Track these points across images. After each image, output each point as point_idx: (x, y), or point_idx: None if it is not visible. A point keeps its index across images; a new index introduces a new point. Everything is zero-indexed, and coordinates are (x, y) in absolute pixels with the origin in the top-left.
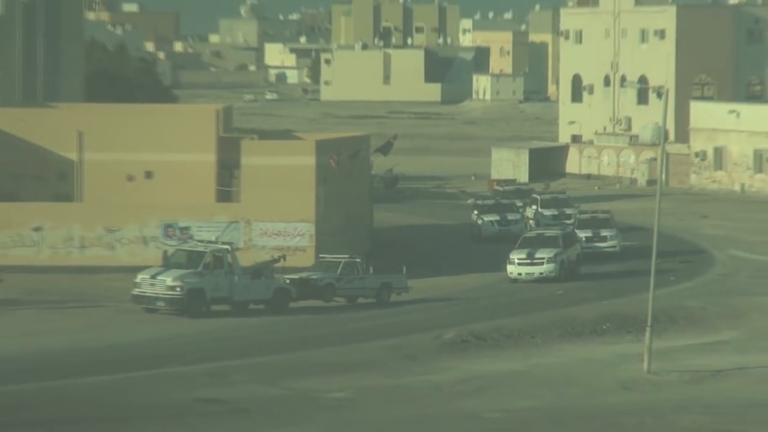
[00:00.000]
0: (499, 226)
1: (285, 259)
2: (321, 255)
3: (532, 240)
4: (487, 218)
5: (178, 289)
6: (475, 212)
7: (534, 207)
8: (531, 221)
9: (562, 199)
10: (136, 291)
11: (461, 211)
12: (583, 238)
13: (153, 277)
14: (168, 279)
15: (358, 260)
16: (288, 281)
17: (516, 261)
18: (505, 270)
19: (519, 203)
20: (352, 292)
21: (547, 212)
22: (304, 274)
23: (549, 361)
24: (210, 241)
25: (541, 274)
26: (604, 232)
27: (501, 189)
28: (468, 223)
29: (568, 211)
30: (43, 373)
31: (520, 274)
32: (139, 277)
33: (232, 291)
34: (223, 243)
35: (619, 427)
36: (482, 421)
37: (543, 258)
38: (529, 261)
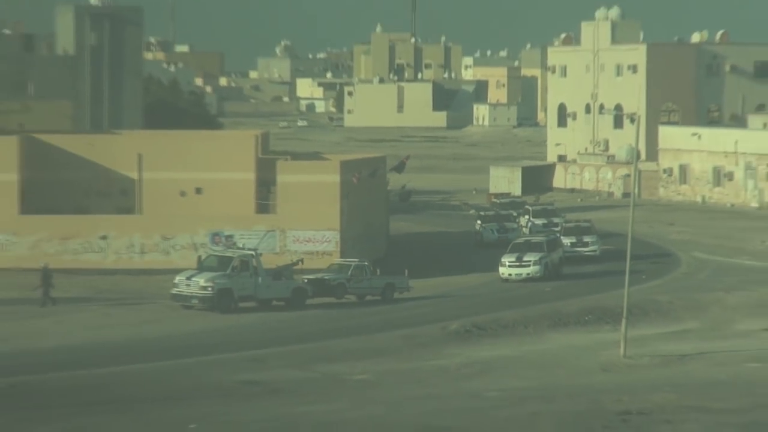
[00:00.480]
0: (498, 234)
1: (303, 263)
2: (338, 259)
3: (521, 245)
4: (488, 227)
5: (209, 288)
6: (478, 222)
7: (527, 217)
8: (525, 229)
9: (550, 210)
10: (174, 290)
11: (464, 220)
12: (568, 244)
13: (188, 278)
14: (201, 280)
15: (366, 264)
16: (306, 281)
17: (507, 263)
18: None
19: (514, 213)
20: (361, 290)
21: (537, 221)
22: (319, 275)
23: (539, 348)
24: (238, 248)
25: (528, 274)
26: (586, 239)
27: (498, 201)
28: (471, 230)
29: (556, 220)
30: (110, 359)
31: (510, 274)
32: (177, 279)
33: (257, 290)
34: (249, 249)
35: (599, 403)
36: (483, 399)
37: (530, 261)
38: (518, 263)
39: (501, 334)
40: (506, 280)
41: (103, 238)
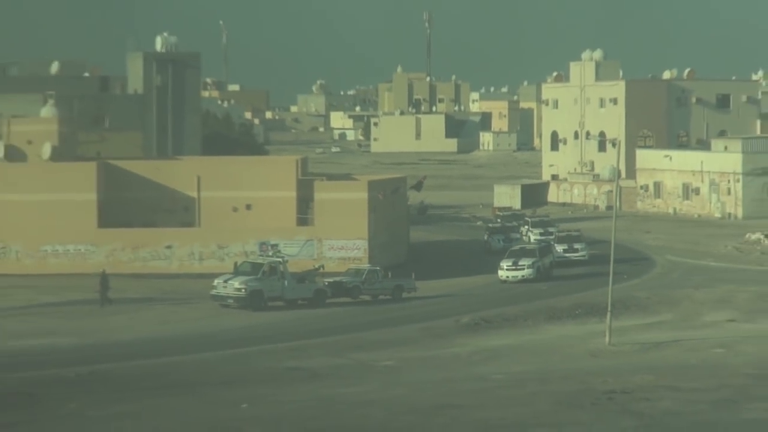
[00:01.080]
0: (504, 243)
1: (323, 268)
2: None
3: (517, 252)
4: (496, 237)
5: (243, 290)
6: (487, 232)
7: (526, 227)
8: (525, 237)
9: (546, 221)
10: (213, 291)
11: (473, 230)
12: (561, 250)
13: (225, 281)
14: (236, 282)
15: (377, 268)
16: (326, 283)
17: (504, 267)
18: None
19: (516, 224)
20: (374, 291)
21: (535, 230)
22: (337, 279)
23: (537, 338)
24: (268, 255)
25: (523, 276)
26: (576, 245)
27: (501, 214)
28: (479, 239)
29: (551, 229)
30: (174, 349)
31: (508, 276)
32: (216, 282)
33: (283, 291)
34: (278, 256)
35: (588, 384)
36: (490, 381)
37: (524, 264)
38: (514, 267)
39: (504, 326)
40: (504, 282)
41: (168, 247)
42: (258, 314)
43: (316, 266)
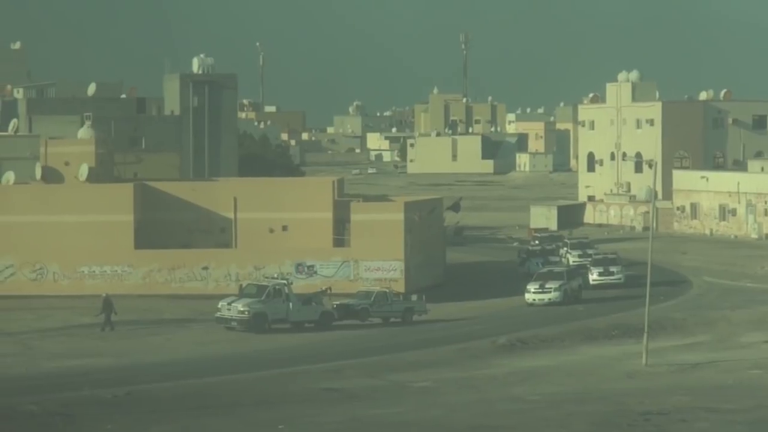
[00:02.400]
0: (543, 266)
1: (331, 290)
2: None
3: (545, 274)
4: (534, 260)
5: (246, 312)
6: (525, 255)
7: (564, 249)
8: (563, 259)
9: (585, 243)
10: (217, 314)
11: (509, 251)
12: (597, 273)
13: (229, 303)
14: (239, 305)
15: (387, 291)
16: (335, 305)
17: (531, 290)
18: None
19: (554, 246)
20: (384, 314)
21: (573, 252)
22: (345, 301)
23: (573, 359)
24: (273, 278)
25: (550, 299)
26: (612, 268)
27: (540, 236)
28: (515, 260)
29: (589, 251)
30: (210, 370)
31: (534, 299)
32: (220, 304)
33: (288, 314)
34: (283, 278)
35: (625, 405)
36: (526, 402)
37: (551, 288)
38: (540, 290)
39: (541, 347)
40: (531, 305)
41: (205, 268)
42: (295, 336)
43: (324, 288)
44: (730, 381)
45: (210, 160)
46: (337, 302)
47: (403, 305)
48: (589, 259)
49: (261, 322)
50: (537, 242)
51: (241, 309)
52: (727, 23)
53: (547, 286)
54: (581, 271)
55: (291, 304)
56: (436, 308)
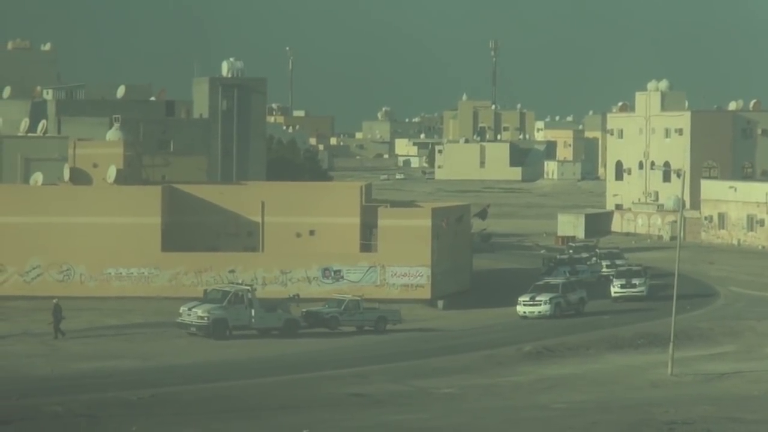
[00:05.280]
0: (571, 275)
1: (299, 296)
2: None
3: (540, 286)
4: (562, 269)
5: (205, 318)
6: (552, 264)
7: (594, 258)
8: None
9: (615, 252)
10: (178, 319)
11: (536, 259)
12: (619, 285)
13: (190, 309)
14: (199, 310)
15: (359, 299)
16: (303, 312)
17: (522, 302)
18: None
19: (586, 255)
20: (355, 322)
21: (603, 262)
22: (314, 308)
23: (599, 367)
24: (236, 283)
25: (540, 312)
26: (635, 281)
27: (574, 245)
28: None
29: (619, 261)
30: (236, 374)
31: (525, 312)
32: (181, 309)
33: (250, 321)
34: (246, 285)
35: (650, 414)
36: (552, 410)
37: (541, 300)
38: (531, 302)
39: (567, 355)
40: (524, 317)
41: (232, 271)
42: (321, 340)
43: (292, 294)
44: (756, 391)
45: (238, 164)
46: (306, 309)
47: (375, 314)
48: (621, 269)
49: (221, 329)
50: (571, 251)
51: (201, 314)
52: (757, 34)
53: (537, 298)
54: (581, 283)
55: (253, 311)
56: (461, 315)
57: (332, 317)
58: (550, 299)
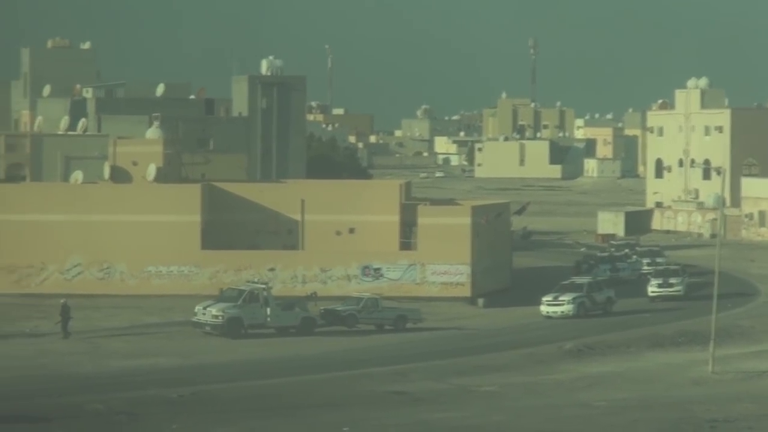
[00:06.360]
0: (611, 273)
1: (317, 295)
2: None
3: (565, 286)
4: (603, 267)
5: (220, 317)
6: (591, 262)
7: (634, 256)
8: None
9: (655, 251)
10: (194, 318)
11: (576, 256)
12: (656, 284)
13: (204, 308)
14: (214, 309)
15: (378, 297)
16: (321, 311)
17: (545, 302)
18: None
19: (627, 251)
20: (374, 321)
21: (644, 260)
22: (332, 306)
23: (639, 365)
24: (253, 282)
25: (562, 312)
26: (672, 280)
27: (616, 243)
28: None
29: (659, 260)
30: (276, 372)
31: (548, 312)
32: (197, 308)
33: (265, 319)
34: (261, 283)
35: (691, 412)
36: (592, 408)
37: (564, 300)
38: (553, 302)
39: (607, 353)
40: (548, 317)
41: (271, 269)
42: (361, 338)
43: (310, 293)
44: None
45: (278, 162)
46: (324, 308)
47: (395, 312)
48: (660, 267)
49: (236, 328)
50: (613, 248)
51: (216, 313)
52: None
53: (561, 298)
54: (608, 283)
55: (269, 309)
56: (501, 313)
57: (350, 315)
58: (574, 299)
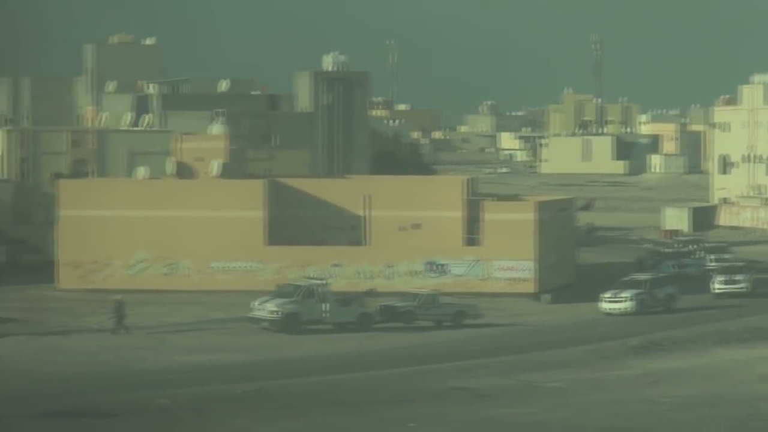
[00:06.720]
0: (678, 269)
1: (376, 290)
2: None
3: (626, 282)
4: (669, 263)
5: (277, 312)
6: (657, 258)
7: (700, 252)
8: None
9: (722, 247)
10: (251, 314)
11: (642, 252)
12: (720, 281)
13: (261, 303)
14: (271, 305)
15: (436, 294)
16: (379, 307)
17: (605, 299)
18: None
19: (694, 247)
20: (432, 317)
21: (710, 257)
22: (390, 302)
23: (705, 361)
24: (309, 278)
25: (622, 309)
26: (737, 277)
27: (683, 239)
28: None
29: (726, 256)
30: (340, 368)
31: (608, 309)
32: (253, 304)
33: (322, 315)
34: (318, 279)
35: (758, 409)
36: (658, 404)
37: (624, 297)
38: (614, 299)
39: (673, 350)
40: (608, 314)
41: (336, 265)
42: (425, 333)
43: (368, 289)
44: None
45: (342, 158)
46: (382, 304)
47: (453, 308)
48: (727, 264)
49: (293, 323)
50: (679, 244)
51: (273, 309)
52: None
53: (621, 295)
54: (671, 279)
55: (326, 305)
56: (566, 308)
57: (408, 311)
58: (634, 295)
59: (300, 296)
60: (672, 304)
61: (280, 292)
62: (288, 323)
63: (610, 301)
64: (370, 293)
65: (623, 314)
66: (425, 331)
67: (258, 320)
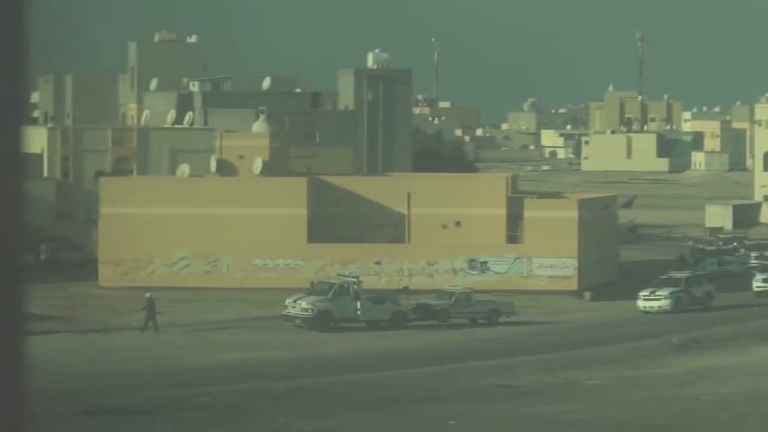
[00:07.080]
0: (719, 266)
1: (409, 288)
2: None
3: (663, 280)
4: (710, 260)
5: (310, 310)
6: (699, 255)
7: (742, 250)
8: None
9: (764, 244)
10: (284, 312)
11: (684, 250)
12: (761, 279)
13: (294, 301)
14: (303, 303)
15: (470, 291)
16: (414, 305)
17: (642, 297)
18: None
19: (736, 244)
20: (466, 314)
21: (752, 254)
22: (425, 300)
23: (747, 359)
24: (342, 275)
25: (659, 307)
26: None
27: (725, 237)
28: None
29: (767, 253)
30: (382, 365)
31: (645, 307)
32: (287, 301)
33: (355, 313)
34: (352, 277)
35: None
36: (700, 402)
37: (661, 295)
38: (651, 297)
39: (714, 347)
40: (646, 312)
41: (378, 263)
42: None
43: (401, 287)
44: None
45: (384, 155)
46: (416, 302)
47: (488, 306)
48: (764, 262)
49: (325, 321)
50: (721, 242)
51: (306, 306)
52: None
53: (658, 293)
54: (708, 277)
55: (359, 303)
56: (608, 306)
57: (442, 309)
58: (671, 293)
59: (333, 294)
60: (709, 302)
61: (313, 290)
62: (320, 321)
63: (647, 299)
64: (404, 291)
65: (660, 312)
66: (460, 329)
67: (291, 318)
